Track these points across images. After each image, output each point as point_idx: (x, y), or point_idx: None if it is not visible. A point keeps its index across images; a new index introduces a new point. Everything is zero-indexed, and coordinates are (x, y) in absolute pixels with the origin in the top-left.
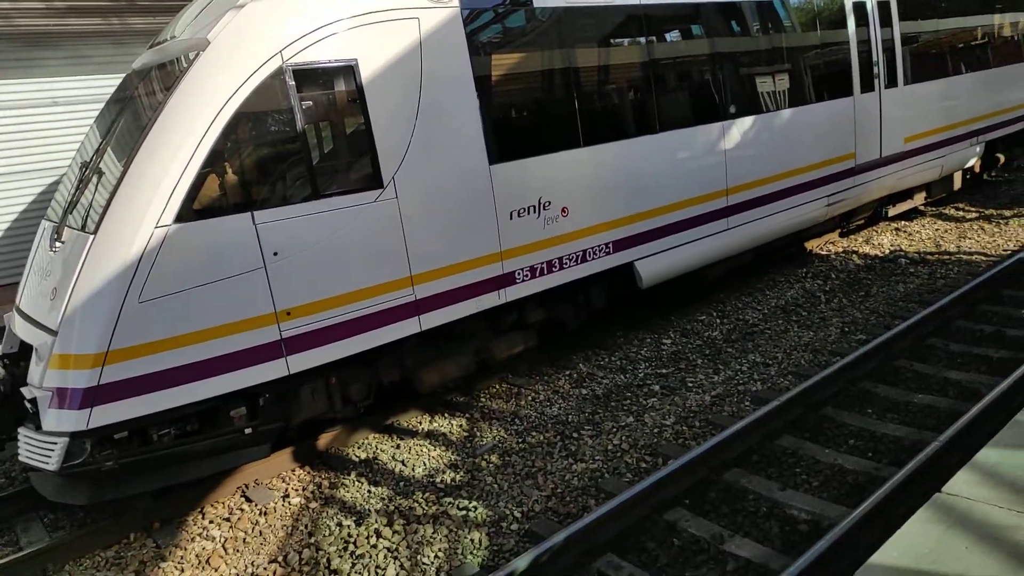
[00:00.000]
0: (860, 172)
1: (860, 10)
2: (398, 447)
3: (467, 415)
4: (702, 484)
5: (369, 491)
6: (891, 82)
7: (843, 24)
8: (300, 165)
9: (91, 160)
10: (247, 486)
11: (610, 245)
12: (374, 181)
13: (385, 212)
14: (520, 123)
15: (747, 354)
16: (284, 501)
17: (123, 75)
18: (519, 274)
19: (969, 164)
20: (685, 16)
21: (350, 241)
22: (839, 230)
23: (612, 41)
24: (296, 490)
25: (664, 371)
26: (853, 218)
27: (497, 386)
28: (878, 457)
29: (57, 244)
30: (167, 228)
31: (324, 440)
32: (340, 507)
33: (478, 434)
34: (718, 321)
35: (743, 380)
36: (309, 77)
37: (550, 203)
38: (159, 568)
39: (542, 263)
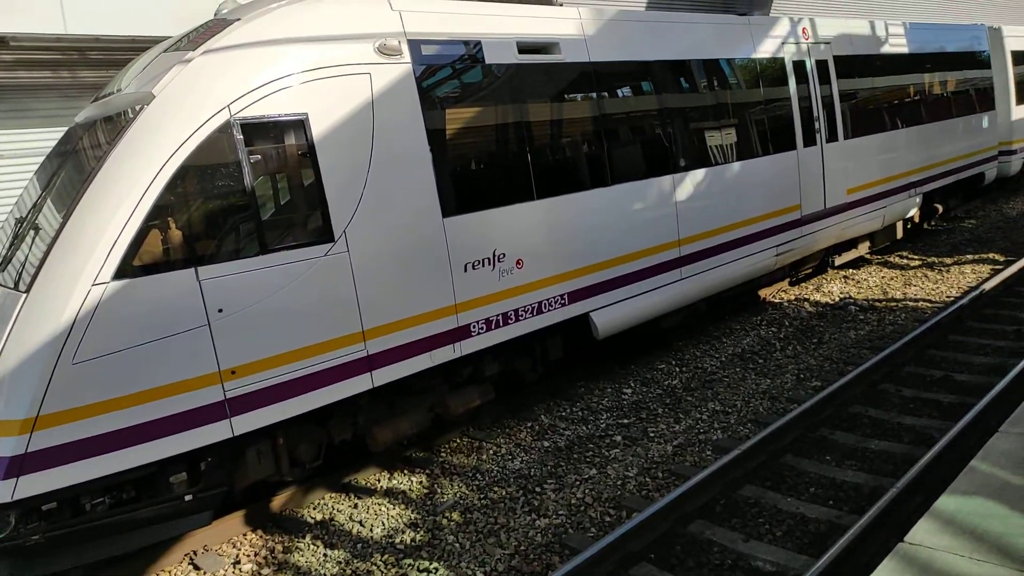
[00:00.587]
0: (806, 223)
1: (800, 68)
2: (355, 506)
3: (427, 471)
4: (667, 537)
5: (325, 555)
6: (832, 136)
7: (785, 81)
8: (247, 219)
9: (27, 215)
10: (195, 553)
11: (566, 296)
12: (324, 235)
13: (336, 266)
14: (473, 176)
15: (707, 402)
16: (235, 568)
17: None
18: (474, 327)
19: (909, 214)
20: (634, 73)
21: (299, 296)
22: (788, 279)
23: (563, 96)
24: (248, 555)
25: (626, 421)
26: (802, 267)
27: (458, 440)
28: (839, 505)
29: None
30: (105, 285)
31: (277, 502)
32: (294, 573)
33: (439, 490)
34: (677, 370)
35: (704, 429)
36: (258, 131)
37: (504, 255)
38: None
39: (498, 315)
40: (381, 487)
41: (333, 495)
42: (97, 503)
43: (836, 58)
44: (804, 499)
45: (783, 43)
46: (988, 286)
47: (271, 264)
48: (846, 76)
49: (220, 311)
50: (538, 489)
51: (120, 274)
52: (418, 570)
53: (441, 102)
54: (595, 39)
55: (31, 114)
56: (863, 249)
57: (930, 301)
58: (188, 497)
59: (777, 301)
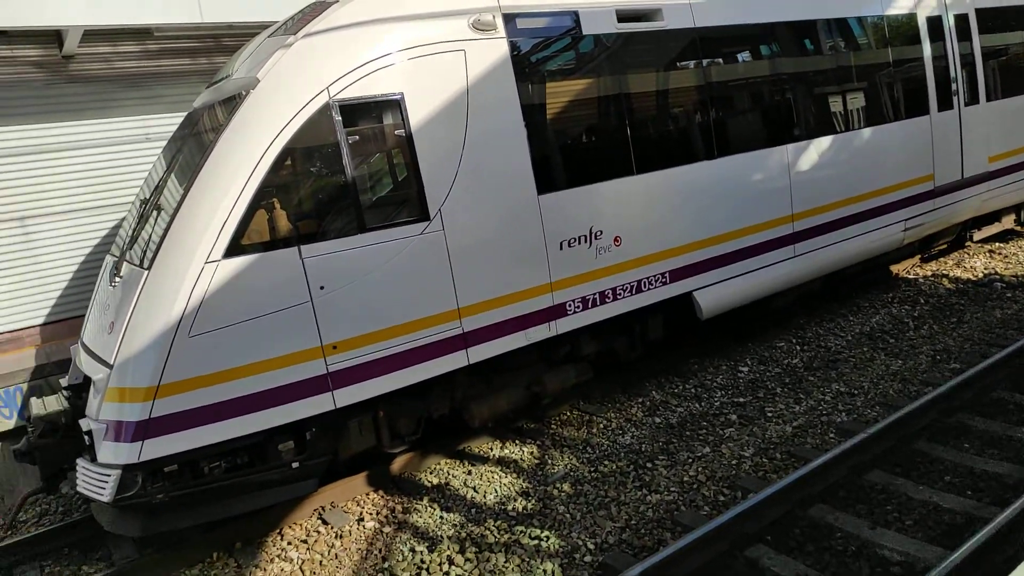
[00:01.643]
0: (940, 194)
1: (935, 24)
2: (469, 473)
3: (538, 442)
4: (785, 520)
5: (441, 517)
6: (972, 99)
7: (917, 39)
8: (346, 199)
9: (150, 197)
10: (323, 508)
11: (667, 275)
12: (420, 213)
13: (431, 244)
14: (570, 152)
15: (830, 383)
16: (359, 524)
17: None
18: (570, 305)
19: None
20: (745, 38)
21: (396, 274)
22: (919, 256)
23: (666, 65)
24: (370, 514)
25: (741, 400)
26: (935, 243)
27: (568, 413)
28: (978, 495)
29: (116, 279)
30: (217, 263)
31: (397, 465)
32: (413, 532)
33: (549, 462)
34: (798, 348)
35: (827, 411)
36: (355, 112)
37: (602, 232)
38: None
39: (594, 294)
40: (493, 455)
41: (448, 461)
42: (214, 467)
43: (979, 11)
44: (938, 488)
45: None
46: None
47: (369, 243)
48: (990, 31)
49: (322, 288)
50: (649, 465)
51: (230, 253)
52: (529, 537)
53: (537, 76)
54: (701, 3)
55: (158, 100)
56: (1008, 222)
57: None
58: (295, 465)
59: (911, 277)
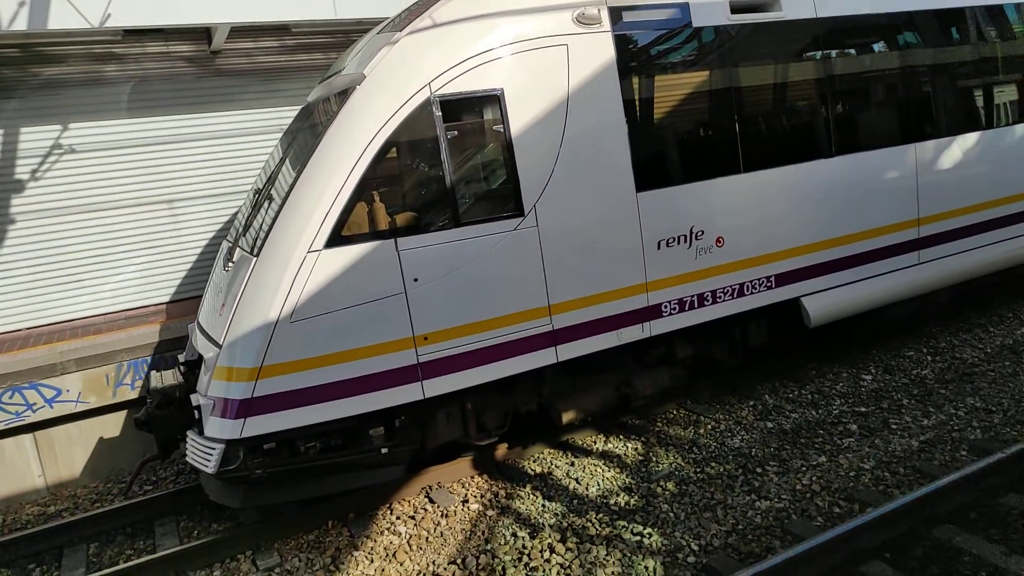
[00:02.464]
0: None
1: None
2: (572, 464)
3: (642, 439)
4: (907, 538)
5: (543, 505)
6: None
7: None
8: (442, 193)
9: (263, 187)
10: (430, 488)
11: (772, 279)
12: (515, 209)
13: (525, 240)
14: (672, 148)
15: (964, 397)
16: (463, 506)
17: None
18: (666, 307)
19: None
20: (872, 29)
21: (488, 269)
22: None
23: (782, 59)
24: (475, 496)
25: (863, 409)
26: None
27: (674, 412)
28: None
29: (229, 264)
30: (318, 253)
31: (501, 451)
32: (515, 518)
33: (654, 459)
34: (929, 358)
35: (959, 426)
36: (455, 107)
37: (703, 232)
38: (352, 556)
39: (692, 296)
40: (597, 449)
41: (551, 451)
42: (309, 447)
43: None
44: None
45: None
46: None
47: (463, 237)
48: None
49: (415, 280)
50: (759, 470)
51: (331, 243)
52: (632, 532)
53: (641, 71)
54: None
55: (291, 94)
56: None
57: None
58: (384, 451)
59: None
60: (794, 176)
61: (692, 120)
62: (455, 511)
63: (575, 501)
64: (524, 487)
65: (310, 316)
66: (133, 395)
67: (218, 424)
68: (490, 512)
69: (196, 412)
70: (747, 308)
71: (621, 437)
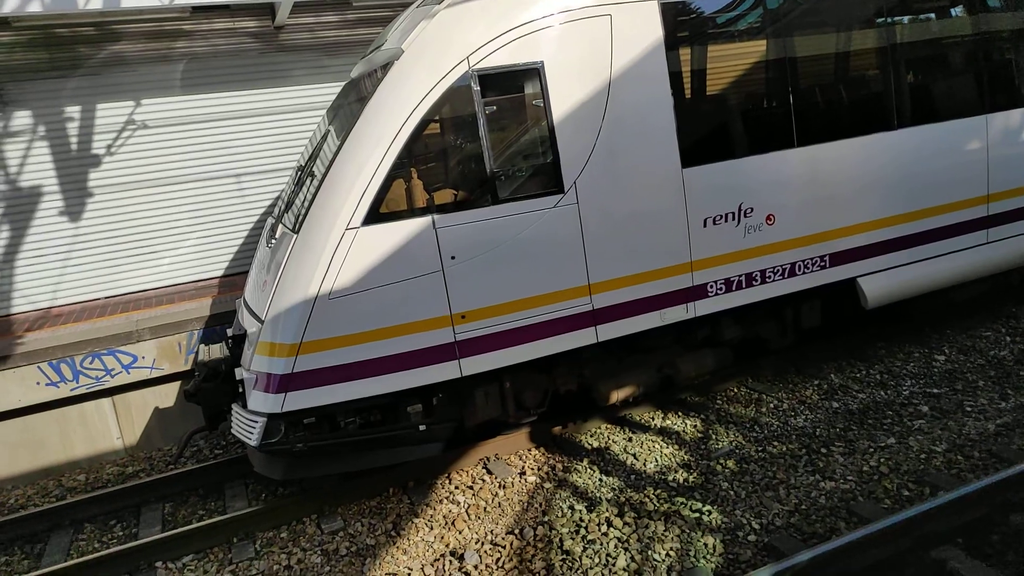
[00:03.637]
0: None
1: None
2: (630, 440)
3: (702, 416)
4: (981, 523)
5: (600, 479)
6: None
7: None
8: (480, 170)
9: (306, 164)
10: (488, 459)
11: (826, 258)
12: (555, 186)
13: (564, 218)
14: (721, 122)
15: None
16: (521, 478)
17: None
18: (712, 287)
19: None
20: None
21: (527, 247)
22: None
23: (840, 26)
24: (532, 469)
25: (935, 391)
26: None
27: (735, 389)
28: None
29: (272, 241)
30: (356, 230)
31: (558, 425)
32: (572, 491)
33: (713, 437)
34: (1008, 339)
35: None
36: (494, 82)
37: (752, 210)
38: (412, 523)
39: (740, 276)
40: (655, 425)
41: (609, 426)
42: (349, 422)
43: None
44: None
45: None
46: None
47: (501, 215)
48: None
49: (453, 258)
50: (824, 450)
51: (369, 220)
52: (691, 509)
53: (688, 41)
54: None
55: (324, 71)
56: None
57: None
58: (422, 427)
59: None
60: (852, 151)
61: (742, 93)
62: (512, 482)
63: (632, 476)
64: (581, 461)
65: (348, 293)
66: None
67: (260, 398)
68: (547, 484)
69: (240, 385)
70: (799, 288)
71: (680, 414)
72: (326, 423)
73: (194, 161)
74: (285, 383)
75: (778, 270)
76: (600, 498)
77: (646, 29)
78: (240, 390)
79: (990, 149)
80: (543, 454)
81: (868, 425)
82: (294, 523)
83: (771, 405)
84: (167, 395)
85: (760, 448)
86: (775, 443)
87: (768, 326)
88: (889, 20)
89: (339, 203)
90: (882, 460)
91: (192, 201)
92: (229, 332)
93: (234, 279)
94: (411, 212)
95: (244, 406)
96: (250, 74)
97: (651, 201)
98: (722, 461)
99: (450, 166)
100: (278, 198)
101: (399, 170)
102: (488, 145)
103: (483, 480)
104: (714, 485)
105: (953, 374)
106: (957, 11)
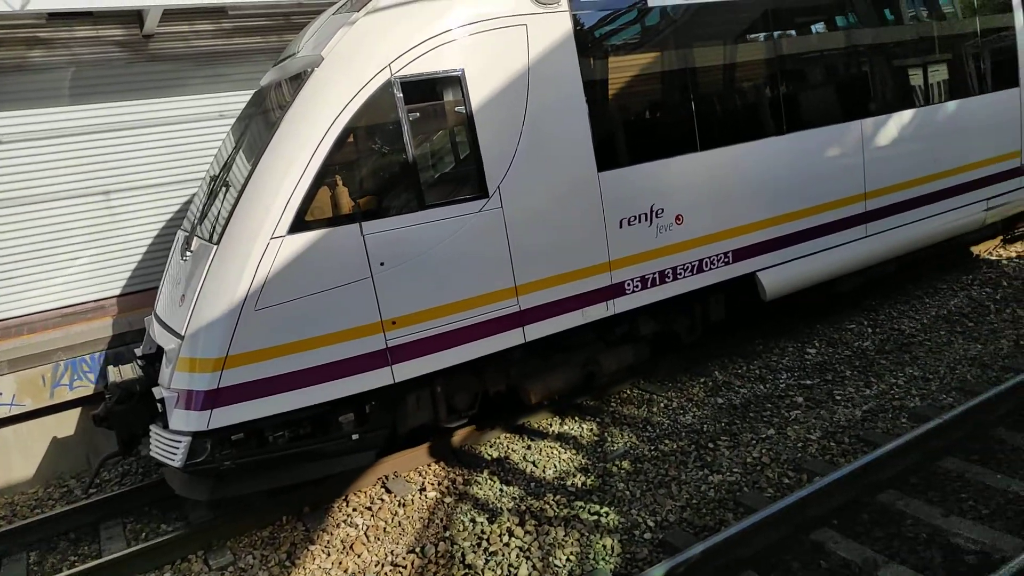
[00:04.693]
0: None
1: None
2: (529, 448)
3: (597, 419)
4: (853, 504)
5: (501, 490)
6: None
7: (1008, 8)
8: (406, 176)
9: (219, 173)
10: (387, 477)
11: (730, 255)
12: (479, 191)
13: (490, 222)
14: (631, 128)
15: (903, 367)
16: (421, 494)
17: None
18: (629, 285)
19: None
20: (820, 7)
21: (455, 251)
22: (1001, 237)
23: (734, 38)
24: (432, 484)
25: (808, 382)
26: (1019, 223)
27: (628, 391)
28: None
29: (187, 253)
30: (282, 239)
31: (458, 437)
32: (473, 503)
33: (609, 439)
34: (869, 331)
35: (899, 395)
36: (416, 88)
37: (663, 211)
38: (308, 550)
39: (654, 273)
40: (553, 431)
41: (508, 435)
42: (278, 436)
43: None
44: (1020, 477)
45: None
46: None
47: (428, 220)
48: None
49: (382, 264)
50: (711, 445)
51: (294, 229)
52: (589, 512)
53: (600, 51)
54: None
55: (230, 78)
56: None
57: None
58: (355, 436)
59: (993, 258)
60: (748, 154)
61: (650, 100)
62: (412, 500)
63: (532, 484)
64: (482, 472)
65: (276, 303)
66: (72, 395)
67: (184, 416)
68: (448, 499)
69: (160, 406)
70: (706, 284)
71: (576, 419)
72: (254, 439)
73: (61, 177)
74: (210, 399)
75: (688, 267)
76: (501, 508)
77: (560, 39)
78: (161, 410)
79: (865, 151)
80: (443, 468)
81: (750, 418)
82: (179, 561)
83: (662, 404)
84: (32, 433)
85: (653, 447)
86: (666, 441)
87: (680, 320)
88: (774, 35)
89: (262, 212)
90: (764, 451)
91: (59, 221)
92: (138, 352)
93: (110, 303)
94: (338, 219)
95: (165, 426)
96: (117, 85)
97: (571, 204)
98: (617, 462)
99: (376, 172)
100: (187, 210)
101: (324, 177)
102: (413, 151)
103: (382, 499)
104: (611, 487)
105: (823, 366)
106: (829, 27)
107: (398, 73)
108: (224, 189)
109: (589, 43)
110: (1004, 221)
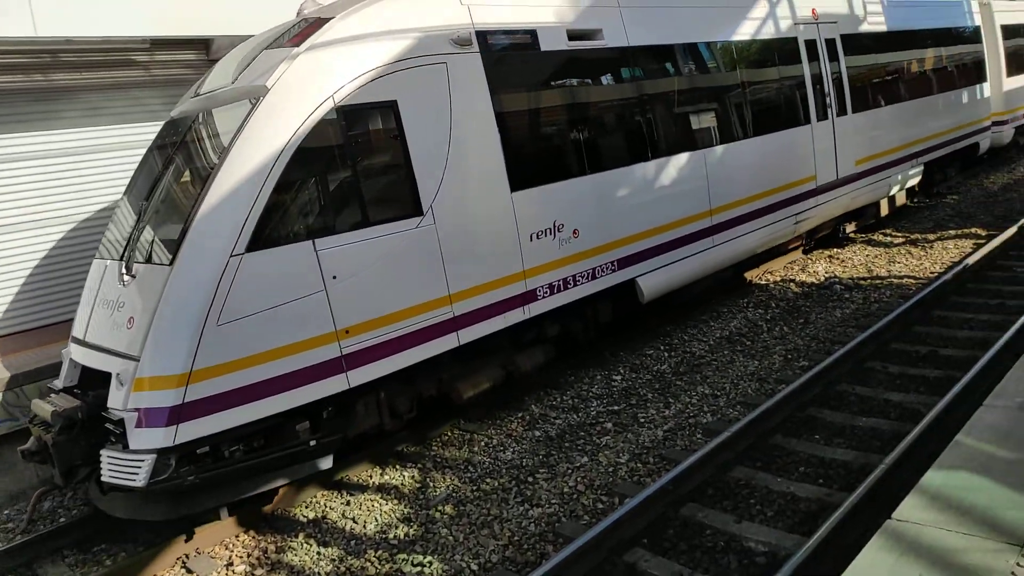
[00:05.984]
0: (821, 192)
1: (811, 47)
2: (348, 503)
3: (419, 465)
4: (660, 521)
5: (319, 552)
6: (841, 110)
7: (797, 59)
8: (352, 196)
9: (147, 202)
10: (187, 556)
11: (615, 263)
12: (415, 209)
13: (425, 237)
14: (535, 154)
15: (696, 386)
16: (228, 570)
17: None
18: (540, 291)
19: (912, 182)
20: (662, 55)
21: (397, 264)
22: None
23: (607, 79)
24: (240, 557)
25: (616, 408)
26: (816, 235)
27: (449, 433)
28: (829, 483)
29: (127, 278)
30: (240, 257)
31: (269, 506)
32: (288, 572)
33: (431, 484)
34: (666, 355)
35: (693, 412)
36: (357, 116)
37: (563, 225)
38: None
39: (559, 280)
40: (373, 483)
41: (325, 493)
42: (234, 450)
43: (843, 37)
44: (794, 479)
45: (796, 23)
46: (971, 260)
47: (373, 236)
48: (852, 53)
49: (334, 277)
50: (530, 479)
51: (252, 247)
52: (412, 564)
53: (506, 87)
54: (632, 24)
55: (102, 112)
56: (872, 217)
57: (914, 277)
58: (312, 443)
59: (763, 283)
60: (623, 176)
61: (547, 129)
62: None
63: (352, 542)
64: (296, 537)
65: (237, 318)
66: None
67: (147, 434)
68: (259, 572)
69: (115, 427)
70: (598, 289)
71: (397, 467)
72: (212, 452)
73: None
74: (176, 415)
75: (584, 274)
76: (319, 573)
77: (474, 76)
78: (119, 432)
79: (709, 174)
80: (252, 538)
81: (566, 448)
82: None
83: (482, 443)
84: None
85: (475, 487)
86: (488, 480)
87: (577, 323)
88: (636, 76)
89: (220, 232)
90: (579, 479)
91: None
92: (58, 384)
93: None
94: (293, 237)
95: (125, 448)
96: None
97: (491, 220)
98: (440, 507)
99: (325, 193)
100: (105, 239)
101: (278, 197)
102: (357, 173)
103: None
104: (434, 534)
105: (628, 391)
106: (674, 71)
107: (340, 103)
108: (165, 214)
109: (497, 80)
110: (808, 232)
